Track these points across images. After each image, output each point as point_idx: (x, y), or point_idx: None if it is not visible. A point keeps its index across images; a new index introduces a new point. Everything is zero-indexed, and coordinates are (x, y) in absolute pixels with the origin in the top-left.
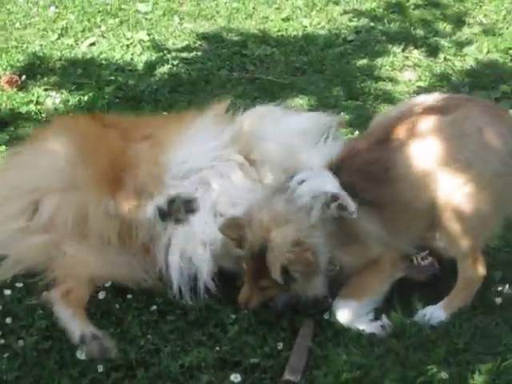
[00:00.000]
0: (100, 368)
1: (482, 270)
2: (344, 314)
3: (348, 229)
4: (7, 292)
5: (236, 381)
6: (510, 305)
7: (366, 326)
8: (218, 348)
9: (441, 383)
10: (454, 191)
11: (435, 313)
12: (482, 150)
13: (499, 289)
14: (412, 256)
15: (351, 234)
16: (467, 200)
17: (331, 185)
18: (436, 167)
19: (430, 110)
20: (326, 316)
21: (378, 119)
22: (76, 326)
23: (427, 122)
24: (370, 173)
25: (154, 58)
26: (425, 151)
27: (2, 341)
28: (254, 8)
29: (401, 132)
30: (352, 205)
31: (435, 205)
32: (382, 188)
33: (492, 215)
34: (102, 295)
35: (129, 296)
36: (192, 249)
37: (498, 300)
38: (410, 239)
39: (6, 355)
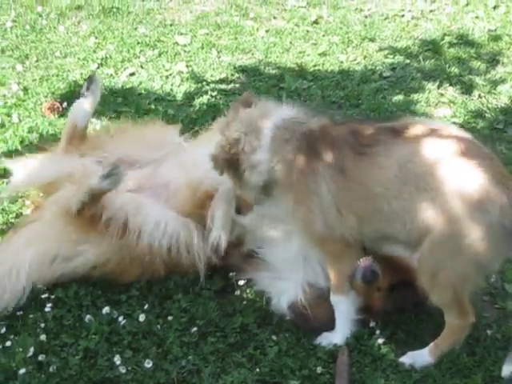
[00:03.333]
0: None
1: (469, 318)
2: (343, 309)
3: (306, 188)
4: (47, 309)
5: None
6: None
7: None
8: (257, 369)
9: None
10: (439, 237)
11: (421, 357)
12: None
13: None
14: None
15: (302, 185)
16: (437, 259)
17: None
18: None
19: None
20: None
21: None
22: None
23: (450, 145)
24: (360, 145)
25: (192, 88)
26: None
27: (45, 357)
28: (290, 43)
29: (418, 135)
30: None
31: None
32: (360, 169)
33: (479, 270)
34: (142, 317)
35: (169, 318)
36: None
37: None
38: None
39: (43, 373)
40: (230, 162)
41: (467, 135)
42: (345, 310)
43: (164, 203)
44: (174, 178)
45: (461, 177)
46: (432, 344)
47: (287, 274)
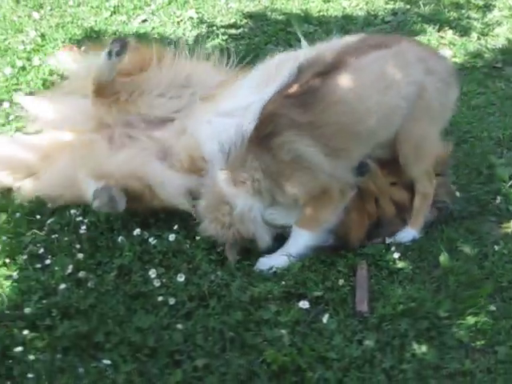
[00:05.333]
0: (172, 300)
1: (433, 185)
2: (299, 244)
3: (286, 159)
4: (82, 231)
5: (304, 307)
6: None
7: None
8: (283, 282)
9: (488, 315)
10: (407, 121)
11: (407, 235)
12: (429, 76)
13: None
14: None
15: (291, 164)
16: (421, 130)
17: None
18: (381, 94)
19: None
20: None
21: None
22: (92, 185)
23: (370, 54)
24: (306, 98)
25: (204, 33)
26: (371, 77)
27: (82, 275)
28: None
29: (342, 61)
30: None
31: (382, 131)
32: (318, 111)
33: (438, 137)
34: (171, 237)
35: (197, 237)
36: None
37: None
38: (351, 165)
39: (82, 289)
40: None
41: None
42: (302, 244)
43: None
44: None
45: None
46: (411, 220)
47: None
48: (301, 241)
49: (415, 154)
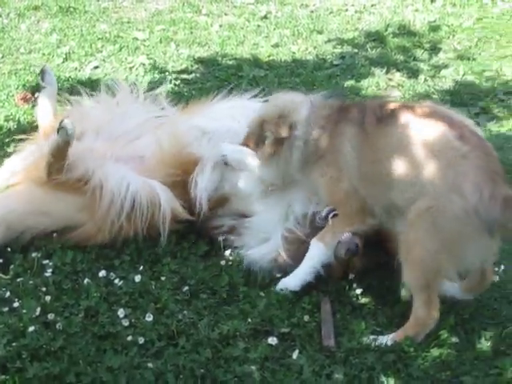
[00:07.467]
0: (142, 340)
1: (434, 312)
2: (314, 255)
3: (336, 146)
4: (48, 274)
5: (273, 343)
6: (506, 283)
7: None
8: (249, 320)
9: (452, 347)
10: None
11: (383, 341)
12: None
13: (496, 269)
14: None
15: (332, 153)
16: (423, 237)
17: None
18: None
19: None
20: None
21: None
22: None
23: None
24: (382, 114)
25: (156, 79)
26: (403, 138)
27: (50, 317)
28: (244, 36)
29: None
30: None
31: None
32: (376, 131)
33: (446, 261)
34: (137, 278)
35: (162, 278)
36: None
37: (496, 278)
38: (375, 198)
39: (50, 331)
40: (278, 140)
41: (471, 125)
42: (316, 256)
43: (133, 170)
44: (150, 151)
45: (450, 158)
46: (395, 333)
47: (270, 234)
48: (314, 253)
49: (405, 256)
